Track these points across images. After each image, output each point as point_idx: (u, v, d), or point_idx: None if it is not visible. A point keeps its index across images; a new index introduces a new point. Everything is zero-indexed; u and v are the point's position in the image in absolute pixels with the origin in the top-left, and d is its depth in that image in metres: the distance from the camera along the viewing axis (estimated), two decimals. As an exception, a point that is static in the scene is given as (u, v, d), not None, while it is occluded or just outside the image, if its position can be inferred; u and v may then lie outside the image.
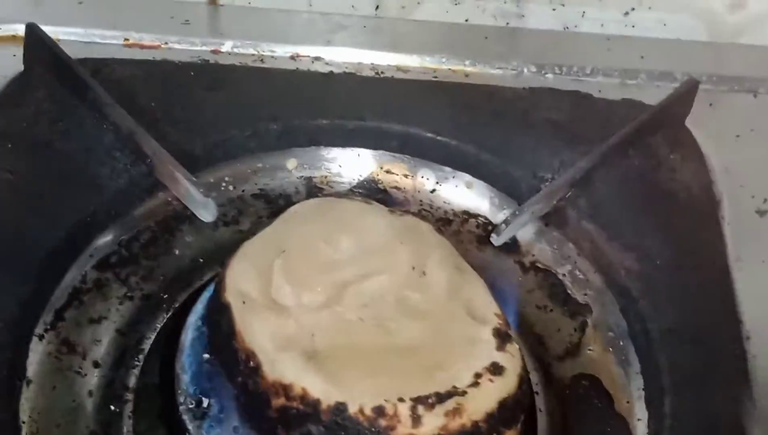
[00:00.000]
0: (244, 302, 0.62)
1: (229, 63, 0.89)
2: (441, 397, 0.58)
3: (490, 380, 0.59)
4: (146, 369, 0.72)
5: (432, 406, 0.57)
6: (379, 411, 0.57)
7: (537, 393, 0.73)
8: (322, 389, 0.57)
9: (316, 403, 0.57)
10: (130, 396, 0.70)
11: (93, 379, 0.70)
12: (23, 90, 0.81)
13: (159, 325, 0.74)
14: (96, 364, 0.71)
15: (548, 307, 0.78)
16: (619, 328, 0.75)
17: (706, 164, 0.84)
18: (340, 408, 0.57)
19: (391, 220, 0.68)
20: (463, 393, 0.58)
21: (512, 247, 0.80)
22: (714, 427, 0.68)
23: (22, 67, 0.83)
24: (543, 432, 0.71)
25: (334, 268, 0.65)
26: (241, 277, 0.64)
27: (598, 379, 0.74)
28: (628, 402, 0.72)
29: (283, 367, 0.58)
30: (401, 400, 0.57)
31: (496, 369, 0.60)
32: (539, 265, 0.80)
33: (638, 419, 0.71)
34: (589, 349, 0.75)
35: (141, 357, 0.72)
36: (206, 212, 0.77)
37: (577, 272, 0.79)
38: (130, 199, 0.77)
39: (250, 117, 0.83)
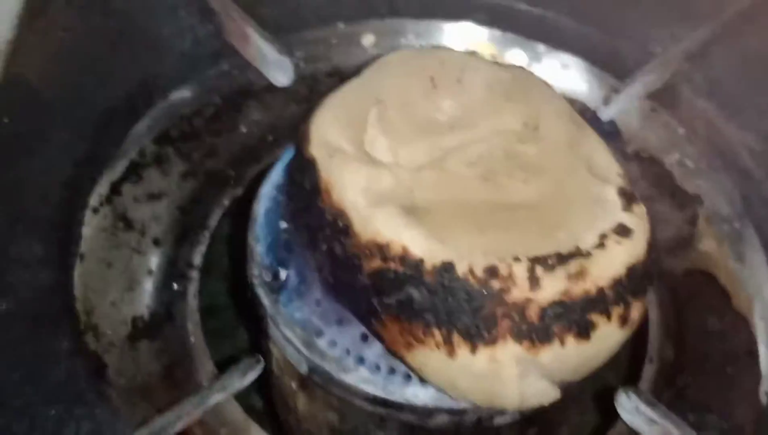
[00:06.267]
0: (331, 155, 0.53)
1: None
2: (562, 258, 0.49)
3: (617, 242, 0.50)
4: (213, 246, 0.65)
5: (552, 268, 0.48)
6: (492, 271, 0.48)
7: (647, 285, 0.66)
8: (425, 246, 0.48)
9: (418, 263, 0.48)
10: (194, 274, 0.63)
11: (153, 257, 0.64)
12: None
13: (226, 202, 0.67)
14: (156, 242, 0.64)
15: (654, 198, 0.70)
16: (738, 217, 0.67)
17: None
18: (446, 268, 0.48)
19: (497, 73, 0.59)
20: (588, 254, 0.49)
21: (613, 134, 0.72)
22: None
23: None
24: (655, 326, 0.65)
25: (435, 129, 0.56)
26: (329, 128, 0.55)
27: (713, 275, 0.66)
28: (748, 299, 0.64)
29: (379, 223, 0.49)
30: (517, 259, 0.48)
31: (623, 230, 0.51)
32: (643, 154, 0.72)
33: (761, 317, 0.63)
34: (702, 244, 0.68)
35: (206, 234, 0.66)
36: (281, 74, 0.68)
37: (687, 160, 0.71)
38: (195, 62, 0.70)
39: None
